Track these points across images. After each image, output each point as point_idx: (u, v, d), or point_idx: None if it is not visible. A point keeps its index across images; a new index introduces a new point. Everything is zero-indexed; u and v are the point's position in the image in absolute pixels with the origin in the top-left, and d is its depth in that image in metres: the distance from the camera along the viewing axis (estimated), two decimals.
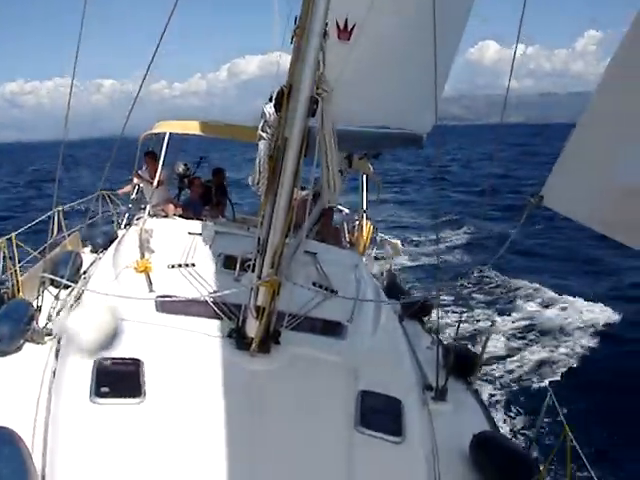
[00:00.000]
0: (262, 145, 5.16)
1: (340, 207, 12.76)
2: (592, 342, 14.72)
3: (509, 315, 16.39)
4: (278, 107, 5.06)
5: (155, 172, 10.18)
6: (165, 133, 10.24)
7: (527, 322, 15.92)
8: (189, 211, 10.22)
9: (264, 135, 5.15)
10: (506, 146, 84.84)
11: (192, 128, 10.66)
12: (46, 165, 70.71)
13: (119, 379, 4.90)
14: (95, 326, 5.40)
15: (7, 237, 7.21)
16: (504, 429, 7.65)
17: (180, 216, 9.70)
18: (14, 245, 7.24)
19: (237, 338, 5.58)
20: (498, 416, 8.40)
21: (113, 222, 11.73)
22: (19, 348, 5.87)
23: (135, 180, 10.98)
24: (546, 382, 6.91)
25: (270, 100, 5.18)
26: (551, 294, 17.92)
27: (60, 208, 9.02)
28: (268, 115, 5.10)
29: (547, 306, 17.19)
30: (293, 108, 4.85)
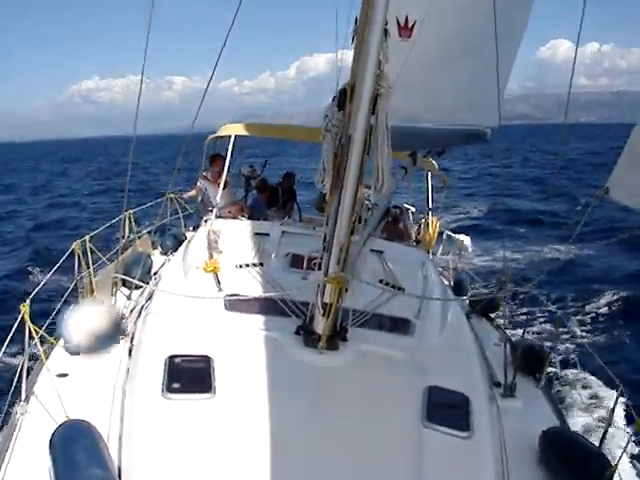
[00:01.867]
0: (326, 144, 5.20)
1: (406, 205, 12.75)
2: None
3: (581, 310, 16.13)
4: (341, 106, 5.11)
5: (220, 175, 10.35)
6: (230, 136, 10.40)
7: (598, 317, 15.64)
8: (255, 212, 10.37)
9: (328, 134, 5.21)
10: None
11: (257, 130, 10.81)
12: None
13: (190, 375, 5.03)
14: (86, 329, 5.59)
15: (81, 239, 7.44)
16: (574, 425, 7.52)
17: (248, 217, 9.84)
18: (88, 247, 7.47)
19: (305, 335, 5.64)
20: (568, 412, 8.26)
21: (181, 224, 11.95)
22: None
23: (200, 183, 11.17)
24: (617, 377, 6.76)
25: (333, 100, 5.23)
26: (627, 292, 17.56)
27: (130, 211, 9.25)
28: (331, 114, 5.15)
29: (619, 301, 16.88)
30: (356, 106, 4.87)
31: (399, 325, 6.41)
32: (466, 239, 12.58)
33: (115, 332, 6.09)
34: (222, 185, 10.06)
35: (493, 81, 6.34)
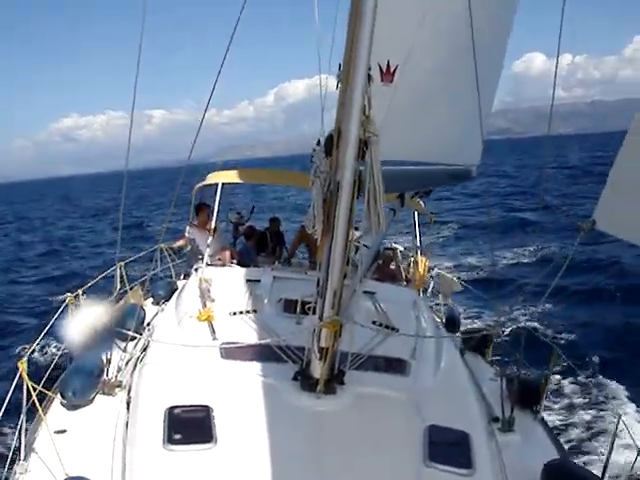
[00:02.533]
0: (315, 190, 5.28)
1: (395, 245, 12.83)
2: None
3: (574, 337, 16.12)
4: (328, 152, 5.19)
5: (206, 223, 10.41)
6: (217, 184, 10.47)
7: (594, 344, 15.62)
8: (245, 259, 10.40)
9: (316, 180, 5.28)
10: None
11: (244, 177, 10.87)
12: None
13: (190, 426, 5.02)
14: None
15: (74, 294, 7.44)
16: (575, 457, 7.53)
17: (237, 264, 9.87)
18: (81, 300, 7.47)
19: (302, 380, 5.66)
20: (568, 444, 8.27)
21: (172, 274, 11.95)
22: (91, 400, 6.04)
23: (187, 233, 11.20)
24: (616, 407, 6.78)
25: (318, 144, 5.31)
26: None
27: (122, 263, 9.26)
28: (319, 160, 5.23)
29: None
30: (343, 152, 4.95)
31: (395, 366, 6.44)
32: (455, 278, 12.66)
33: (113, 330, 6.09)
34: (212, 232, 10.10)
35: (474, 119, 6.46)
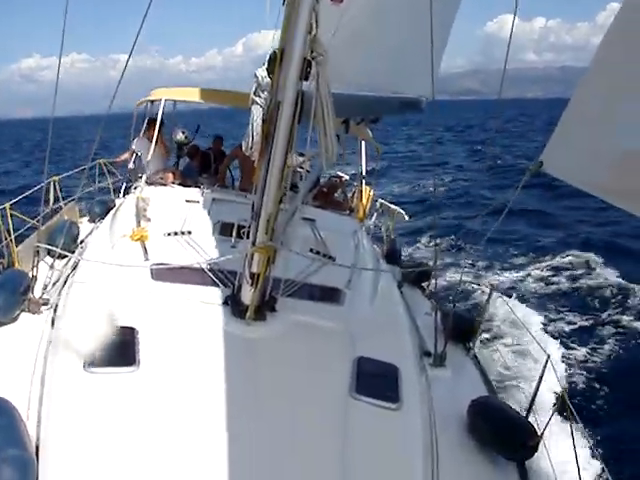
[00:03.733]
0: (255, 110, 5.09)
1: (339, 174, 12.69)
2: (599, 305, 14.76)
3: (511, 278, 16.44)
4: (271, 71, 4.99)
5: (157, 139, 10.13)
6: (161, 100, 10.18)
7: (529, 286, 15.97)
8: (188, 179, 10.17)
9: (257, 100, 5.08)
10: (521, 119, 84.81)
11: (188, 95, 10.62)
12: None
13: (113, 347, 4.87)
14: None
15: (1, 207, 7.13)
16: (503, 395, 7.63)
17: (179, 184, 9.64)
18: (8, 215, 7.15)
19: (233, 305, 5.54)
20: (497, 382, 8.38)
21: (110, 192, 11.65)
22: (15, 318, 5.83)
23: (135, 145, 10.89)
24: (547, 347, 6.91)
25: (263, 65, 5.10)
26: (557, 258, 17.94)
27: (56, 178, 8.92)
28: (261, 79, 5.03)
29: (551, 269, 17.21)
30: (286, 72, 4.77)
31: (329, 295, 6.36)
32: (399, 209, 12.62)
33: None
34: (152, 148, 9.84)
35: (427, 49, 6.28)
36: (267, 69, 5.02)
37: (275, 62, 4.92)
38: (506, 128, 73.51)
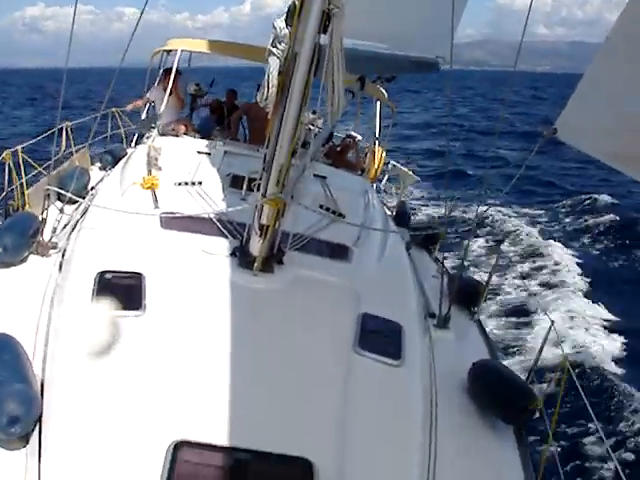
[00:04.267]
0: (271, 61, 5.04)
1: (352, 133, 12.62)
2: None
3: (518, 245, 16.41)
4: (289, 22, 4.94)
5: (173, 89, 10.08)
6: (176, 51, 10.12)
7: (534, 254, 15.95)
8: (201, 131, 10.13)
9: (274, 50, 5.04)
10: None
11: (205, 46, 10.53)
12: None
13: (120, 292, 4.91)
14: None
15: (12, 149, 7.13)
16: (505, 360, 7.69)
17: (192, 136, 9.61)
18: (20, 159, 7.16)
19: (240, 256, 5.56)
20: (500, 346, 8.46)
21: (123, 140, 11.63)
22: (24, 260, 5.87)
23: (150, 93, 10.84)
24: (549, 314, 6.93)
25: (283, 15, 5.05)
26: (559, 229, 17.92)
27: (68, 123, 8.90)
28: (279, 30, 4.97)
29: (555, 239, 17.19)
30: (304, 24, 4.72)
31: (337, 251, 6.37)
32: (411, 172, 12.57)
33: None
34: (166, 99, 9.80)
35: (447, 10, 6.21)
36: (285, 20, 4.97)
37: (294, 13, 4.87)
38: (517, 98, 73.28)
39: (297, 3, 4.85)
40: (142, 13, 6.02)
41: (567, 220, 20.08)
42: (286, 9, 4.98)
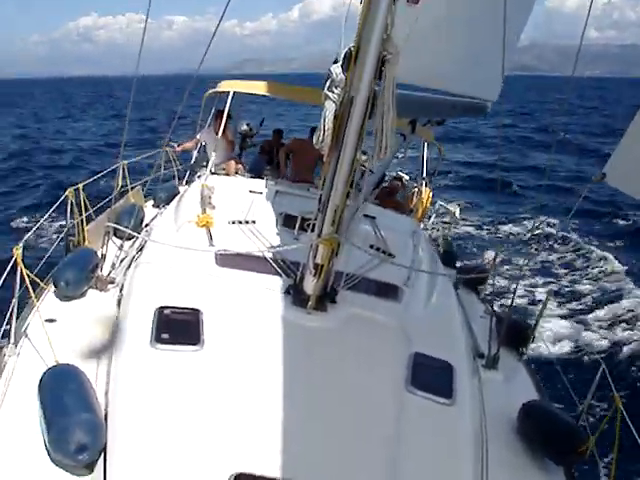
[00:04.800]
0: (328, 105, 5.18)
1: (400, 173, 12.73)
2: None
3: (568, 287, 16.22)
4: (345, 67, 5.08)
5: (223, 131, 10.30)
6: (229, 92, 10.33)
7: (586, 295, 15.74)
8: (252, 171, 10.32)
9: (330, 95, 5.18)
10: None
11: (257, 88, 10.72)
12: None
13: (179, 327, 5.05)
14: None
15: (74, 187, 7.37)
16: (555, 401, 7.62)
17: (242, 175, 9.80)
18: (81, 195, 7.39)
19: (294, 295, 5.66)
20: (549, 388, 8.36)
21: (175, 178, 11.87)
22: (83, 294, 6.07)
23: (200, 135, 11.08)
24: (599, 355, 6.86)
25: (335, 62, 5.19)
26: (616, 266, 17.61)
27: (125, 162, 9.16)
28: (335, 75, 5.11)
29: (607, 279, 16.92)
30: (360, 69, 4.86)
31: (388, 291, 6.44)
32: (457, 210, 12.60)
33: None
34: (228, 141, 10.04)
35: (497, 53, 6.31)
36: (342, 65, 5.11)
37: (350, 59, 5.01)
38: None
39: (353, 50, 4.99)
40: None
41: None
42: (342, 55, 5.13)
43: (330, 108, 5.16)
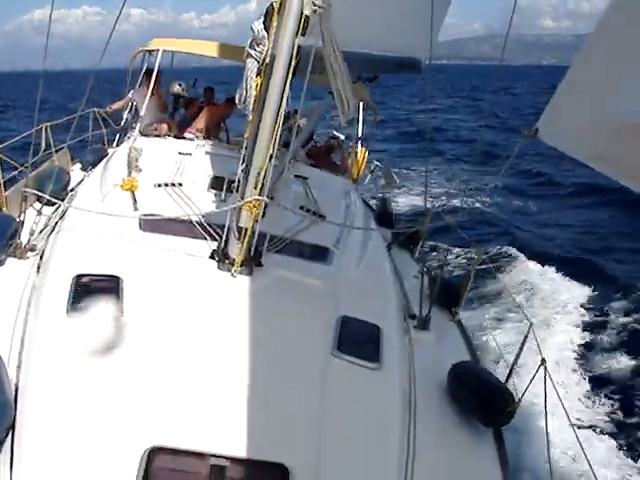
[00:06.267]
0: (250, 63, 5.05)
1: (336, 134, 12.62)
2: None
3: (498, 246, 16.44)
4: (267, 24, 4.93)
5: (155, 90, 10.08)
6: (158, 50, 10.09)
7: (515, 254, 15.99)
8: (182, 131, 10.10)
9: (252, 52, 5.04)
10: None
11: (185, 46, 10.54)
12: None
13: (97, 295, 4.88)
14: None
15: None
16: (485, 361, 7.70)
17: (174, 136, 9.58)
18: None
19: (219, 259, 5.54)
20: (480, 349, 8.46)
21: (104, 141, 11.57)
22: (1, 262, 5.84)
23: (131, 94, 10.84)
24: (528, 315, 6.96)
25: (260, 17, 5.05)
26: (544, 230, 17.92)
27: (48, 123, 8.82)
28: (257, 32, 4.97)
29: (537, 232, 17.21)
30: (283, 25, 4.73)
31: (317, 253, 6.35)
32: (393, 172, 12.57)
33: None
34: (147, 99, 9.78)
35: (427, 11, 6.25)
36: (264, 22, 4.97)
37: (272, 15, 4.87)
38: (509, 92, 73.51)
39: (275, 5, 4.85)
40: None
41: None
42: (264, 11, 4.98)
43: (252, 66, 5.03)
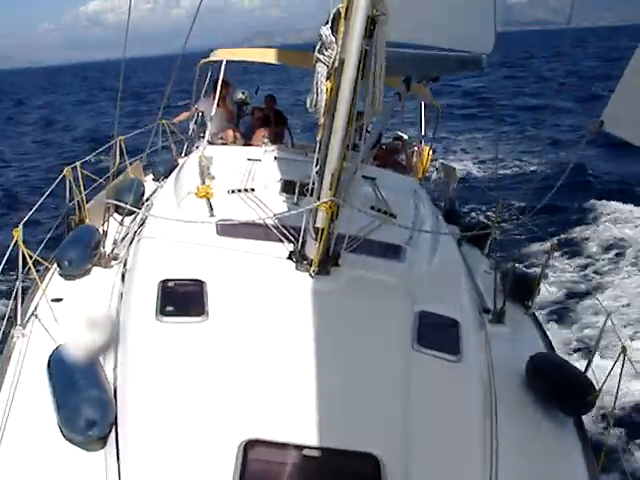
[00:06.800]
0: (319, 68, 5.15)
1: (399, 133, 12.65)
2: None
3: (572, 239, 16.17)
4: (335, 29, 5.04)
5: (223, 99, 10.27)
6: (222, 61, 10.27)
7: (591, 246, 15.72)
8: (248, 138, 10.28)
9: (321, 57, 5.14)
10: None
11: (250, 55, 10.67)
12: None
13: (183, 299, 5.08)
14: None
15: (72, 166, 7.35)
16: (562, 352, 7.66)
17: (239, 144, 9.77)
18: (79, 173, 7.38)
19: (297, 260, 5.68)
20: (556, 339, 8.41)
21: (172, 151, 11.83)
22: (87, 272, 6.10)
23: (199, 105, 11.06)
24: (606, 305, 6.86)
25: (326, 23, 5.15)
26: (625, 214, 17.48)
27: (121, 137, 9.12)
28: (325, 37, 5.07)
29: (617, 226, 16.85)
30: (350, 29, 4.82)
31: (390, 251, 6.43)
32: (456, 169, 12.56)
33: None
34: (214, 109, 9.98)
35: (489, 6, 6.26)
36: (331, 27, 5.07)
37: (339, 20, 4.97)
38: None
39: (342, 10, 4.95)
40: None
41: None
42: (331, 16, 5.08)
43: (322, 71, 5.13)
